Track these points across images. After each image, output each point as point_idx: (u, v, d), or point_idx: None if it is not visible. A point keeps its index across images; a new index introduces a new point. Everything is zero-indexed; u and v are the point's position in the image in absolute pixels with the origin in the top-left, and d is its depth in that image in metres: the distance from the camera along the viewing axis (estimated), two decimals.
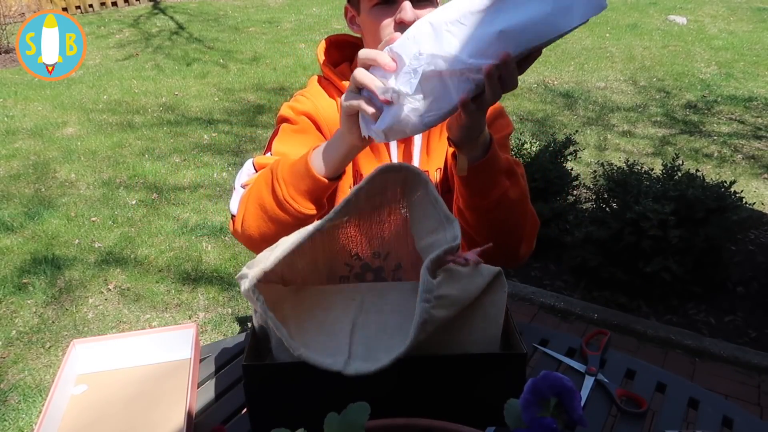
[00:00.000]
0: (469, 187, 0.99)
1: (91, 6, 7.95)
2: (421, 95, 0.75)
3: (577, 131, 3.95)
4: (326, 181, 0.93)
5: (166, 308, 2.58)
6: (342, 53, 1.21)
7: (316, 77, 1.19)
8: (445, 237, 0.78)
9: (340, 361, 0.71)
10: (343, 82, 1.14)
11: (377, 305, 0.85)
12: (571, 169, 3.00)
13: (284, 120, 1.15)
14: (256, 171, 1.07)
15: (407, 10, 0.99)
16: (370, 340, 0.79)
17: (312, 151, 0.94)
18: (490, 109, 1.17)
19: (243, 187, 1.06)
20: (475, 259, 0.77)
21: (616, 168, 2.73)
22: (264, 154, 1.13)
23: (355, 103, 0.81)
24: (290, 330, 0.76)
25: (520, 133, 4.10)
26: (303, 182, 0.93)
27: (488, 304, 0.84)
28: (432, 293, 0.71)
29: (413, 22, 0.93)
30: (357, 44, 1.18)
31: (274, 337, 0.79)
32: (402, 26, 1.00)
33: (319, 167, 0.92)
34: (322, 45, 1.19)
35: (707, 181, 2.50)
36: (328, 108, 1.14)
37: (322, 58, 1.17)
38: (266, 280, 0.77)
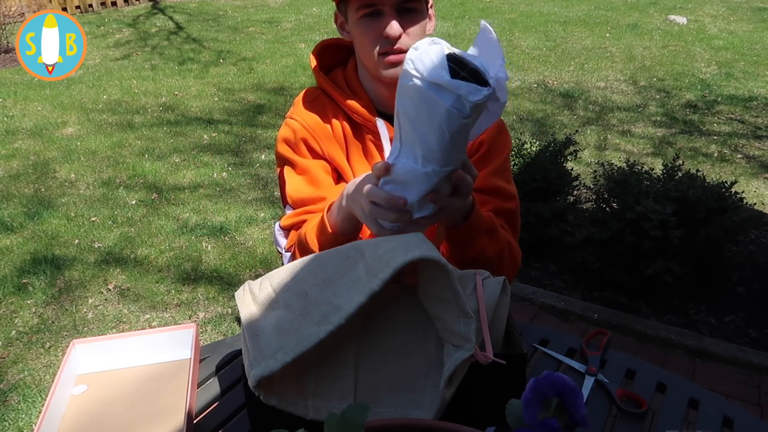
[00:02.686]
0: (448, 242, 1.03)
1: (90, 6, 7.95)
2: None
3: (577, 131, 3.95)
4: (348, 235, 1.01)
5: (166, 308, 2.57)
6: (336, 56, 1.21)
7: (304, 92, 1.20)
8: (459, 326, 0.80)
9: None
10: (336, 91, 1.15)
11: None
12: (571, 169, 3.00)
13: (283, 160, 1.19)
14: (287, 231, 1.18)
15: (394, 27, 1.01)
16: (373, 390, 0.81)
17: (329, 220, 1.01)
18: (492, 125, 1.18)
19: (288, 250, 1.18)
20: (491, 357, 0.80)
21: (616, 168, 2.73)
22: (283, 205, 1.21)
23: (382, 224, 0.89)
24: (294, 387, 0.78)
25: (520, 133, 4.10)
26: (333, 240, 1.01)
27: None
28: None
29: (399, 37, 1.01)
30: (351, 48, 1.18)
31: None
32: (388, 40, 1.02)
33: (342, 230, 1.00)
34: (315, 49, 1.19)
35: (707, 181, 2.50)
36: (319, 126, 1.15)
37: (314, 63, 1.18)
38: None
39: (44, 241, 3.02)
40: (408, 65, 0.78)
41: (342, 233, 0.99)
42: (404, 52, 1.04)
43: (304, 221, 1.13)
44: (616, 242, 2.47)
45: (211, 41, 6.63)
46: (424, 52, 0.77)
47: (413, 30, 1.04)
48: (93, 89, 5.21)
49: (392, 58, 1.04)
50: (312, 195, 1.14)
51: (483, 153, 1.16)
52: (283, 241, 1.19)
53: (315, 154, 1.16)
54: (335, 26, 1.16)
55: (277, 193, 1.15)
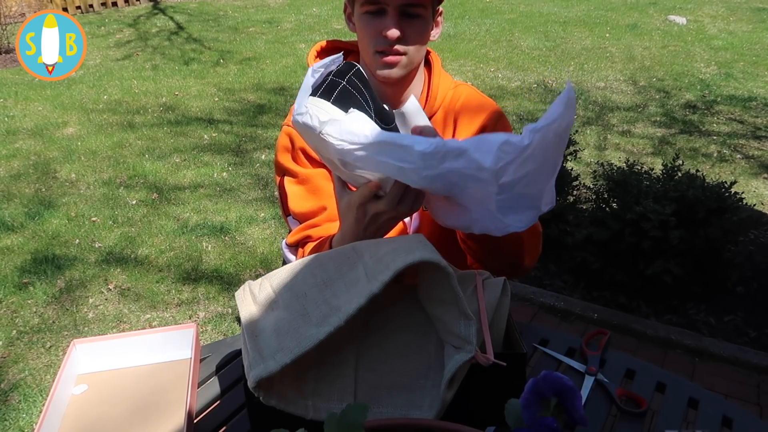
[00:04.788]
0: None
1: (91, 6, 7.96)
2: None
3: (577, 131, 3.95)
4: None
5: (166, 308, 2.58)
6: None
7: None
8: (459, 328, 0.80)
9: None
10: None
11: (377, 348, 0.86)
12: (571, 169, 3.00)
13: (283, 170, 1.18)
14: (293, 247, 1.17)
15: (392, 29, 1.02)
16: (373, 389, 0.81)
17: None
18: (489, 113, 1.18)
19: None
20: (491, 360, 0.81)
21: (616, 168, 2.73)
22: (284, 216, 1.20)
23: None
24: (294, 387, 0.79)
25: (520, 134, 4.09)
26: None
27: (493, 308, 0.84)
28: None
29: (396, 39, 1.02)
30: (347, 49, 1.18)
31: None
32: (386, 40, 1.03)
33: None
34: (312, 54, 1.19)
35: (707, 181, 2.50)
36: None
37: None
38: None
39: (45, 241, 3.03)
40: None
41: None
42: (401, 54, 1.05)
43: (308, 236, 1.13)
44: (615, 242, 2.47)
45: (212, 41, 6.63)
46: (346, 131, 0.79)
47: (412, 35, 1.05)
48: (93, 89, 5.21)
49: (387, 59, 1.05)
50: (314, 207, 1.14)
51: None
52: (291, 257, 1.19)
53: (315, 163, 1.15)
54: (338, 26, 1.16)
55: (278, 194, 1.15)
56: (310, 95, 0.84)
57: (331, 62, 0.88)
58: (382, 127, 0.84)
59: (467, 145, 0.75)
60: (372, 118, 0.85)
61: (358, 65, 0.89)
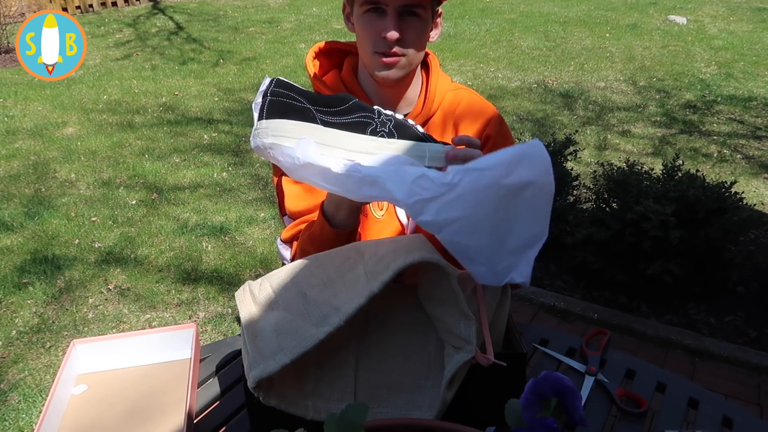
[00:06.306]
0: None
1: (91, 6, 7.95)
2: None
3: (576, 131, 3.95)
4: (348, 230, 0.99)
5: (166, 308, 2.58)
6: (331, 61, 1.21)
7: None
8: (459, 328, 0.80)
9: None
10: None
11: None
12: (571, 169, 3.00)
13: (281, 171, 1.17)
14: (289, 243, 1.17)
15: (391, 30, 1.02)
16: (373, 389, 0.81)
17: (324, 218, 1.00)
18: (491, 119, 1.18)
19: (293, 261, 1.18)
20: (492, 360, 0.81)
21: (616, 168, 2.73)
22: (281, 216, 1.20)
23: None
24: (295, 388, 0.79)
25: (521, 134, 4.10)
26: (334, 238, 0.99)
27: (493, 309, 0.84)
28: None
29: (395, 41, 1.02)
30: (346, 50, 1.18)
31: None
32: (385, 41, 1.03)
33: (340, 225, 0.98)
34: (311, 55, 1.18)
35: (707, 181, 2.50)
36: None
37: (312, 70, 1.17)
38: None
39: (44, 241, 3.03)
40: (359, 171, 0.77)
41: (343, 228, 0.99)
42: (399, 55, 1.05)
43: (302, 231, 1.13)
44: (615, 242, 2.47)
45: (212, 41, 6.63)
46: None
47: (411, 37, 1.05)
48: (93, 89, 5.21)
49: (385, 60, 1.05)
50: (309, 205, 1.14)
51: (491, 147, 1.16)
52: (286, 254, 1.19)
53: None
54: (338, 26, 1.17)
55: (276, 193, 1.16)
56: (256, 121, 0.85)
57: (260, 90, 0.89)
58: (325, 113, 0.85)
59: (381, 173, 0.73)
60: (310, 111, 0.85)
61: (277, 78, 0.89)
